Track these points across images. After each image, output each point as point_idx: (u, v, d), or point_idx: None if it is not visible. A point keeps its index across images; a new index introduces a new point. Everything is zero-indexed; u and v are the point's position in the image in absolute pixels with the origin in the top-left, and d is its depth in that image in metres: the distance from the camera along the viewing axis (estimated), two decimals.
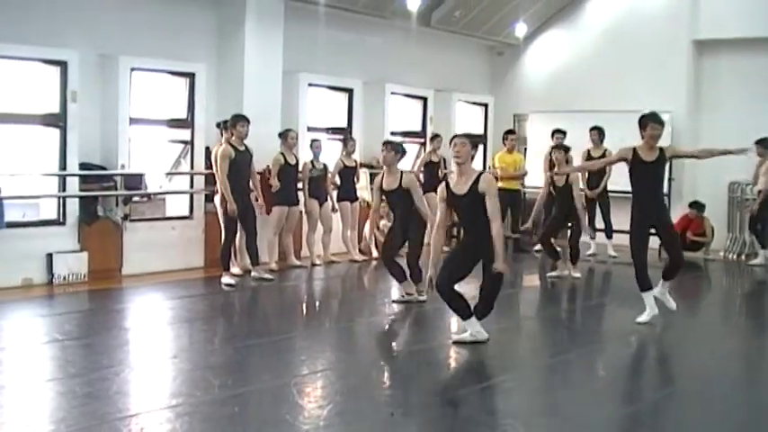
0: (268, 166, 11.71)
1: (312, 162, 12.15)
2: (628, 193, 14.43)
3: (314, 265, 12.23)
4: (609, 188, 13.93)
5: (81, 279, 10.42)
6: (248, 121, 10.68)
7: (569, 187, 11.52)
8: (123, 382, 6.52)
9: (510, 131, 14.53)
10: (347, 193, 12.72)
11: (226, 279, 10.62)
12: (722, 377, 7.33)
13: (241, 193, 10.62)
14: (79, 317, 9.03)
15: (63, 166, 10.47)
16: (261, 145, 11.75)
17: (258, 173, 11.72)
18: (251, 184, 10.92)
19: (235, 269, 11.10)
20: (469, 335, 7.79)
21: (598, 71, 15.67)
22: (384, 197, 9.94)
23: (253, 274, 10.90)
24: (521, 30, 16.00)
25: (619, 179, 13.89)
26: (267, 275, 11.02)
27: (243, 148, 10.64)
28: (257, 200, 11.09)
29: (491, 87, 17.34)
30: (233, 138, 10.61)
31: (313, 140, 12.39)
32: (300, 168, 12.02)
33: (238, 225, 10.72)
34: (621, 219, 14.04)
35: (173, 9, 11.71)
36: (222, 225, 10.71)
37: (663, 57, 15.03)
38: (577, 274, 11.80)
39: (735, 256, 13.99)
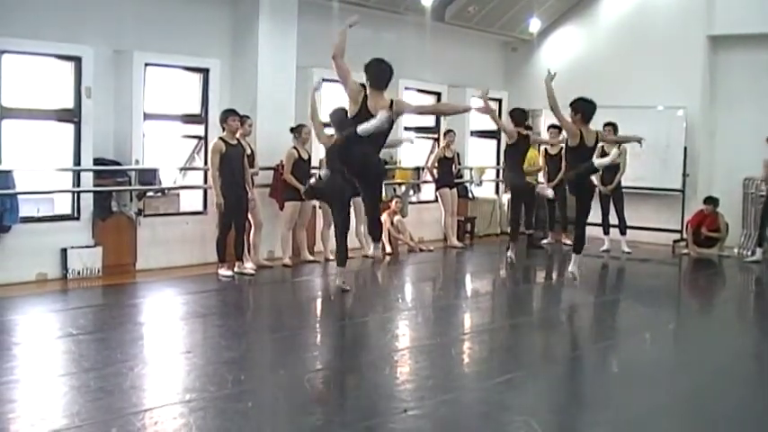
0: (282, 161, 11.73)
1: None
2: (642, 189, 14.62)
3: (327, 260, 12.23)
4: (623, 184, 13.92)
5: (95, 274, 10.46)
6: (238, 115, 10.90)
7: None
8: (137, 377, 6.53)
9: (526, 127, 14.50)
10: None
11: (222, 271, 10.76)
12: (736, 373, 7.32)
13: (233, 187, 10.69)
14: (93, 312, 9.05)
15: (77, 161, 10.51)
16: (274, 140, 11.79)
17: (272, 168, 11.77)
18: (245, 178, 10.98)
19: (248, 264, 11.13)
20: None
21: (612, 67, 15.62)
22: None
23: (235, 269, 10.94)
24: (535, 25, 15.95)
25: (631, 174, 14.00)
26: (249, 270, 11.04)
27: (234, 143, 10.77)
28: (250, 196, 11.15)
29: (505, 83, 17.29)
30: (224, 132, 10.71)
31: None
32: (315, 164, 12.05)
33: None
34: (635, 215, 14.13)
35: (187, 5, 11.71)
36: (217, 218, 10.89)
37: (677, 52, 14.95)
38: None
39: (749, 253, 13.84)
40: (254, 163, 11.45)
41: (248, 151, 11.16)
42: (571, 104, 10.10)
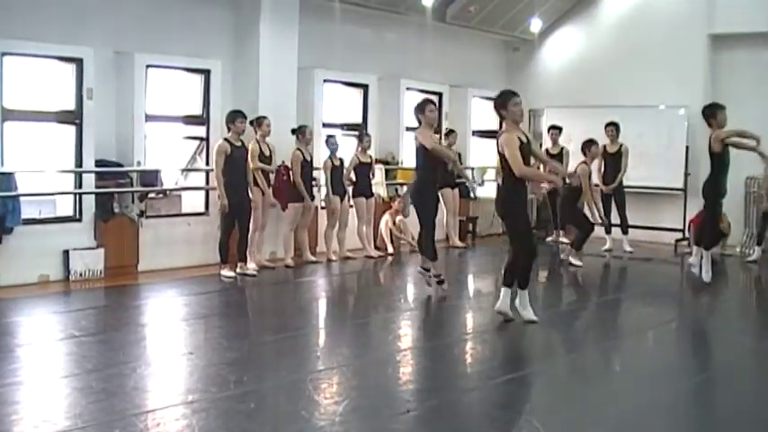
0: (284, 162, 11.73)
1: (331, 158, 12.17)
2: (644, 188, 14.59)
3: (329, 260, 12.25)
4: (624, 183, 13.91)
5: (97, 275, 10.47)
6: (246, 118, 10.90)
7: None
8: (139, 378, 6.53)
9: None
10: (363, 189, 12.72)
11: (224, 272, 10.78)
12: (737, 372, 7.31)
13: (237, 188, 10.70)
14: (96, 313, 9.06)
15: (79, 162, 10.52)
16: (276, 141, 11.78)
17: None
18: (248, 180, 11.03)
19: (251, 264, 11.13)
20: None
21: (614, 66, 15.61)
22: None
23: (237, 270, 10.94)
24: (536, 25, 15.94)
25: (633, 173, 13.98)
26: (251, 271, 11.05)
27: (239, 144, 10.80)
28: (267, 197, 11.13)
29: (506, 83, 17.21)
30: (230, 133, 10.72)
31: (329, 137, 12.41)
32: (321, 165, 12.09)
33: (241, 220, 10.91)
34: (637, 214, 14.12)
35: (188, 6, 11.72)
36: (219, 220, 10.92)
37: (679, 51, 14.93)
38: None
39: (750, 252, 13.80)
40: (273, 162, 11.47)
41: (267, 153, 11.26)
42: None
